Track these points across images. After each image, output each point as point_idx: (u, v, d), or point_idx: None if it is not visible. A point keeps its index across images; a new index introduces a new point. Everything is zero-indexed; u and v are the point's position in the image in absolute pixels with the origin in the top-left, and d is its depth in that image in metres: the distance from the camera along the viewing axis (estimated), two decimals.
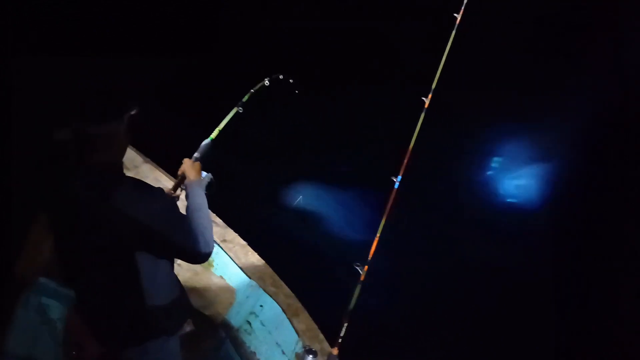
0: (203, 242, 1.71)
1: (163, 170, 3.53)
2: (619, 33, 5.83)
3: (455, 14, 2.83)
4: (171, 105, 4.90)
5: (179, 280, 1.94)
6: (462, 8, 2.83)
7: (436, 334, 3.77)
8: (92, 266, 1.73)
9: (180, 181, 2.09)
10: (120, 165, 1.77)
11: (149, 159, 3.53)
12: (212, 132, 2.42)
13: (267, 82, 2.74)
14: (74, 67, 3.34)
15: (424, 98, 2.74)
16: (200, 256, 1.73)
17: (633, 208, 4.65)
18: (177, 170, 2.11)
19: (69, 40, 4.21)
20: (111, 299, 1.76)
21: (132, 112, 1.71)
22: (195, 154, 2.28)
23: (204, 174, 2.13)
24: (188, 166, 2.06)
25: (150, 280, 1.74)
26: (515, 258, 4.27)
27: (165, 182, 3.37)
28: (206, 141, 2.36)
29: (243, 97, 2.64)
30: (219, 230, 3.41)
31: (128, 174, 1.84)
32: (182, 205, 1.89)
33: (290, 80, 2.86)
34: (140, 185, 1.73)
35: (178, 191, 2.14)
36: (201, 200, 1.90)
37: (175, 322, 1.89)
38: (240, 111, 2.58)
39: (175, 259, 1.88)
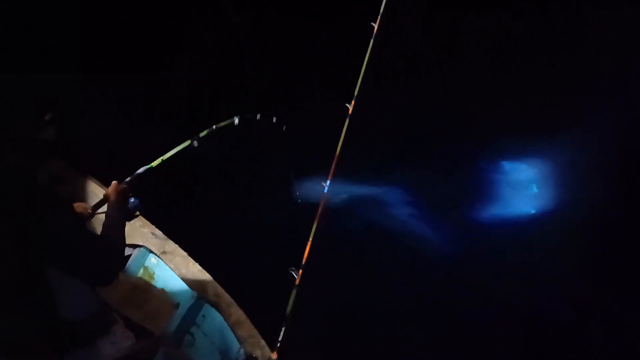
0: (103, 266, 1.77)
1: (99, 183, 3.46)
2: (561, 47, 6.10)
3: (372, 23, 2.95)
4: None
5: (95, 293, 1.98)
6: (379, 17, 2.95)
7: (373, 335, 3.88)
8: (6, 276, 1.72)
9: (101, 202, 2.12)
10: (36, 175, 1.75)
11: (87, 174, 3.45)
12: (155, 159, 2.32)
13: (236, 120, 2.47)
14: None
15: (347, 104, 2.83)
16: (99, 280, 1.81)
17: None
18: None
19: None
20: (26, 311, 1.75)
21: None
22: (127, 179, 2.25)
23: (133, 200, 2.16)
24: (112, 189, 2.10)
25: (64, 293, 1.75)
26: (454, 257, 4.41)
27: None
28: (143, 168, 2.30)
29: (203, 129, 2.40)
30: (158, 242, 3.38)
31: (59, 185, 1.84)
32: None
33: (274, 119, 2.62)
34: (49, 201, 1.72)
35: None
36: (114, 223, 1.96)
37: (95, 334, 1.94)
38: (195, 145, 2.38)
39: None
